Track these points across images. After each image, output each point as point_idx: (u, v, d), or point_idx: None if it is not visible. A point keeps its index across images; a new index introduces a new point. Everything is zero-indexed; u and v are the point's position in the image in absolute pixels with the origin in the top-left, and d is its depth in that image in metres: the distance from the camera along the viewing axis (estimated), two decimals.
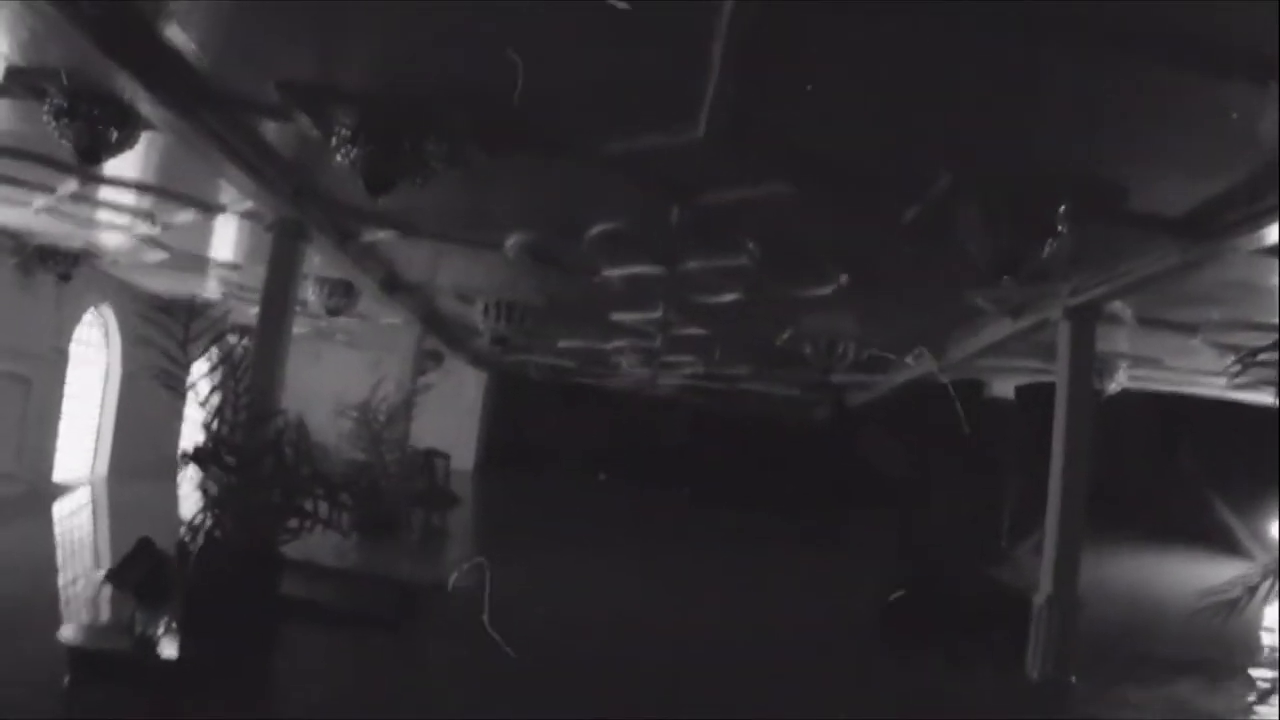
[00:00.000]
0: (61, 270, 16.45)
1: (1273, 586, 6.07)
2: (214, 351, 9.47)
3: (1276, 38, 5.20)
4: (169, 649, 7.66)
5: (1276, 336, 6.77)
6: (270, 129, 8.75)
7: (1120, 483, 16.28)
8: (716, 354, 18.83)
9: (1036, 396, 14.55)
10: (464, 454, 26.13)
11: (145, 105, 7.86)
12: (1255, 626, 12.72)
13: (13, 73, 7.78)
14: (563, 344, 19.74)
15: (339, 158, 7.96)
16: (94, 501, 18.11)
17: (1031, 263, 8.10)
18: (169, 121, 8.17)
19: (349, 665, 9.19)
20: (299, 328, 13.94)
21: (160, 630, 7.78)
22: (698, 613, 13.41)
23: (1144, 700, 10.31)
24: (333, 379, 18.06)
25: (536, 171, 8.84)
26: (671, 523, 23.79)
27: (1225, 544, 15.76)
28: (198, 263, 15.90)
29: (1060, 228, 7.90)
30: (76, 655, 7.13)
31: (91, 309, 19.07)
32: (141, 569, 10.25)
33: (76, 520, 16.26)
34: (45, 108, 7.95)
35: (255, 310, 11.63)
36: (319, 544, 10.17)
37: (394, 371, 17.99)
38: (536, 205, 10.30)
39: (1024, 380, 18.39)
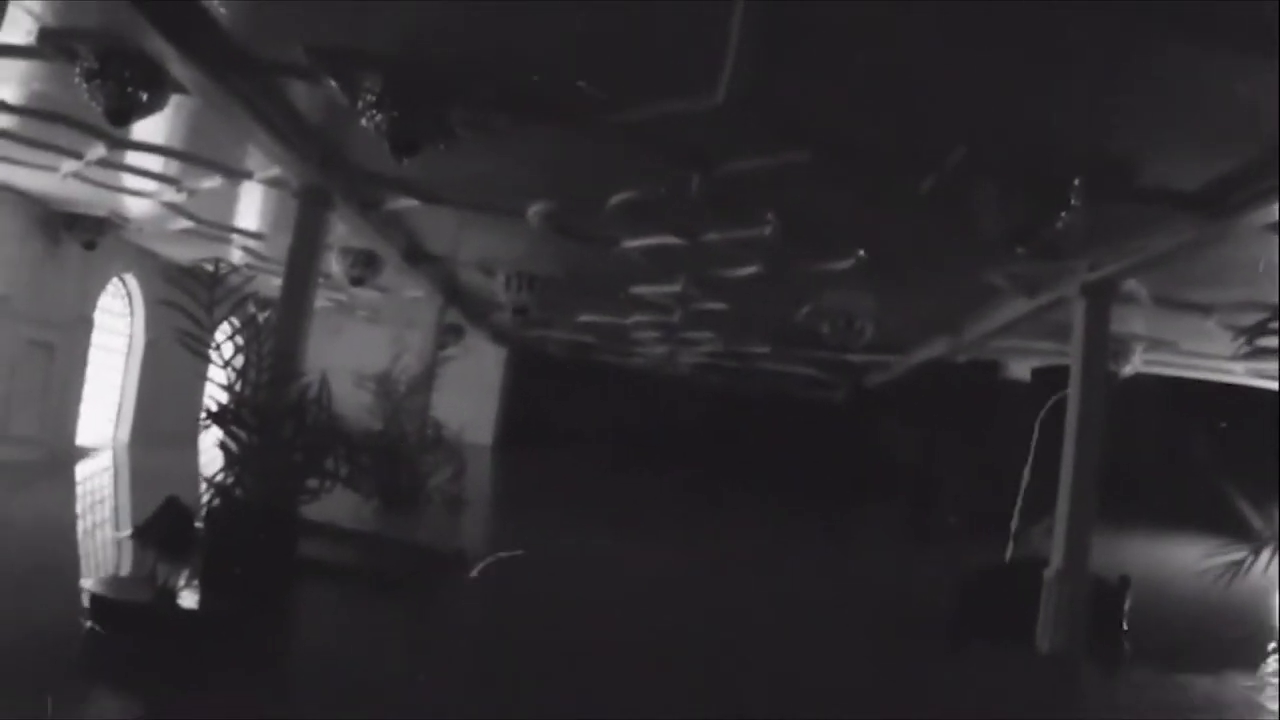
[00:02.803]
0: (87, 238, 16.62)
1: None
2: (236, 318, 9.62)
3: None
4: (188, 601, 7.81)
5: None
6: (298, 93, 8.87)
7: (1133, 467, 16.28)
8: (735, 331, 18.89)
9: (1052, 379, 14.53)
10: (483, 429, 26.33)
11: (176, 67, 7.98)
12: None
13: (46, 34, 7.90)
14: (582, 318, 19.83)
15: (364, 122, 8.08)
16: (115, 465, 18.30)
17: (1045, 235, 8.17)
18: (199, 84, 8.28)
19: (362, 626, 9.27)
20: (320, 302, 14.05)
21: (180, 583, 7.92)
22: (707, 591, 13.44)
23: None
24: (353, 353, 18.15)
25: (559, 138, 8.90)
26: (686, 501, 23.86)
27: (1238, 530, 15.74)
28: (222, 231, 16.03)
29: (1074, 201, 7.98)
30: (97, 603, 7.27)
31: (115, 278, 19.25)
32: (166, 525, 10.49)
33: (98, 483, 16.44)
34: (76, 69, 8.09)
35: (278, 282, 11.76)
36: (339, 509, 10.31)
37: (415, 345, 18.16)
38: (559, 173, 10.36)
39: (1040, 363, 18.38)
